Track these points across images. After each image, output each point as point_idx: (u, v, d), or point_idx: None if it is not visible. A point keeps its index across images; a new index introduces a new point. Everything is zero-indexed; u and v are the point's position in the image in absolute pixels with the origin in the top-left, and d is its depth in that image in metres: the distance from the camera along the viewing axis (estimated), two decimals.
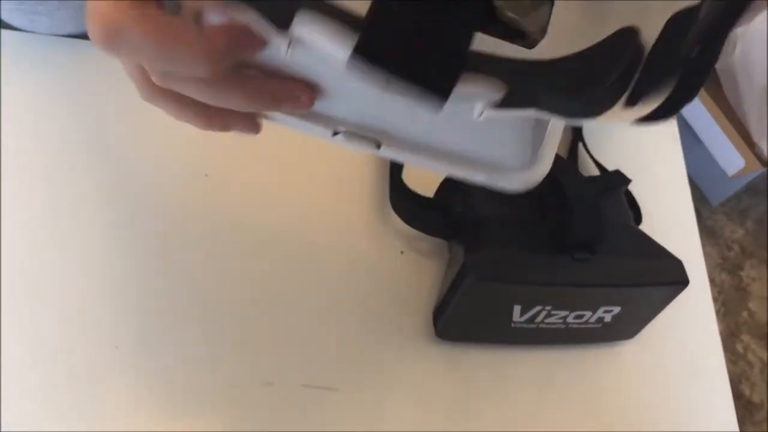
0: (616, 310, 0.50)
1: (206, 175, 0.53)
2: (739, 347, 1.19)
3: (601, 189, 0.52)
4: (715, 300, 1.23)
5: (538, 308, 0.48)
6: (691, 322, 0.58)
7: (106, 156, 0.53)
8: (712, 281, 1.24)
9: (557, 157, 0.53)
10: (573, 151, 0.60)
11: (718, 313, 1.21)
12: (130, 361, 0.46)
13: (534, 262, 0.46)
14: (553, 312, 0.48)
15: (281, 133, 0.54)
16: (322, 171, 0.56)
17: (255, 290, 0.51)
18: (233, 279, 0.51)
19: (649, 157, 0.66)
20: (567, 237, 0.47)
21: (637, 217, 0.56)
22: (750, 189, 1.34)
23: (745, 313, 1.22)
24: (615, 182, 0.54)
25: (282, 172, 0.55)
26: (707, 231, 1.29)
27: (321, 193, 0.55)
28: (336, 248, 0.54)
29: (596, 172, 0.60)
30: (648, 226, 0.57)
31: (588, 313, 0.49)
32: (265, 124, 0.33)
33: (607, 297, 0.48)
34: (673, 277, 0.49)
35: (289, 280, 0.52)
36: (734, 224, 1.31)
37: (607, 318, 0.50)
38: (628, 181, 0.55)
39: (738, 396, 1.14)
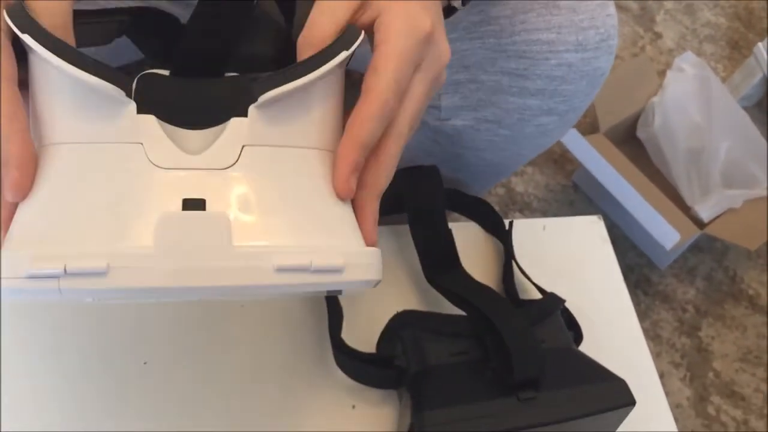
0: None
1: (145, 363, 0.53)
2: (711, 410, 1.19)
3: (536, 318, 0.53)
4: (678, 365, 1.24)
5: None
6: (649, 422, 0.59)
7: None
8: (672, 346, 1.25)
9: (490, 296, 0.54)
10: (507, 275, 0.61)
11: (684, 378, 1.22)
12: None
13: (481, 413, 0.46)
14: None
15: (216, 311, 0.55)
16: (264, 341, 0.56)
17: None
18: None
19: (582, 265, 0.67)
20: (509, 378, 0.48)
21: (578, 336, 0.57)
22: (694, 247, 1.38)
23: (711, 374, 1.24)
24: (549, 308, 0.55)
25: (221, 348, 0.55)
26: (660, 296, 1.31)
27: (265, 363, 0.55)
28: (287, 412, 0.54)
29: (533, 290, 0.61)
30: (592, 338, 0.58)
31: None
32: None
33: (559, 430, 0.49)
34: (620, 400, 0.50)
35: None
36: (685, 285, 1.34)
37: None
38: (562, 302, 0.56)
39: None
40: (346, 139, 0.36)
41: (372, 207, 0.38)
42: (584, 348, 0.57)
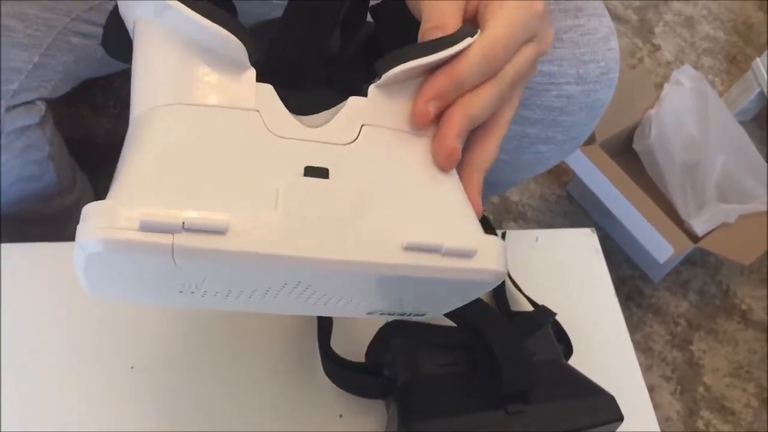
0: None
1: (132, 368, 0.52)
2: (701, 424, 1.19)
3: (527, 331, 0.53)
4: (669, 379, 1.24)
5: None
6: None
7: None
8: (664, 360, 1.25)
9: (480, 307, 0.54)
10: (499, 286, 0.61)
11: (674, 392, 1.22)
12: None
13: (468, 425, 0.46)
14: None
15: (205, 318, 0.55)
16: (252, 349, 0.56)
17: None
18: None
19: (574, 278, 0.67)
20: (498, 390, 0.47)
21: (567, 350, 0.57)
22: (687, 261, 1.38)
23: (701, 389, 1.23)
24: (540, 321, 0.54)
25: (210, 356, 0.55)
26: (653, 309, 1.31)
27: (253, 369, 0.55)
28: (274, 420, 0.53)
29: (525, 302, 0.61)
30: (582, 351, 0.58)
31: None
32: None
33: None
34: (608, 416, 0.49)
35: None
36: (677, 298, 1.34)
37: None
38: (553, 315, 0.56)
39: None
40: (439, 71, 0.35)
41: (476, 178, 0.37)
42: (574, 361, 0.57)
